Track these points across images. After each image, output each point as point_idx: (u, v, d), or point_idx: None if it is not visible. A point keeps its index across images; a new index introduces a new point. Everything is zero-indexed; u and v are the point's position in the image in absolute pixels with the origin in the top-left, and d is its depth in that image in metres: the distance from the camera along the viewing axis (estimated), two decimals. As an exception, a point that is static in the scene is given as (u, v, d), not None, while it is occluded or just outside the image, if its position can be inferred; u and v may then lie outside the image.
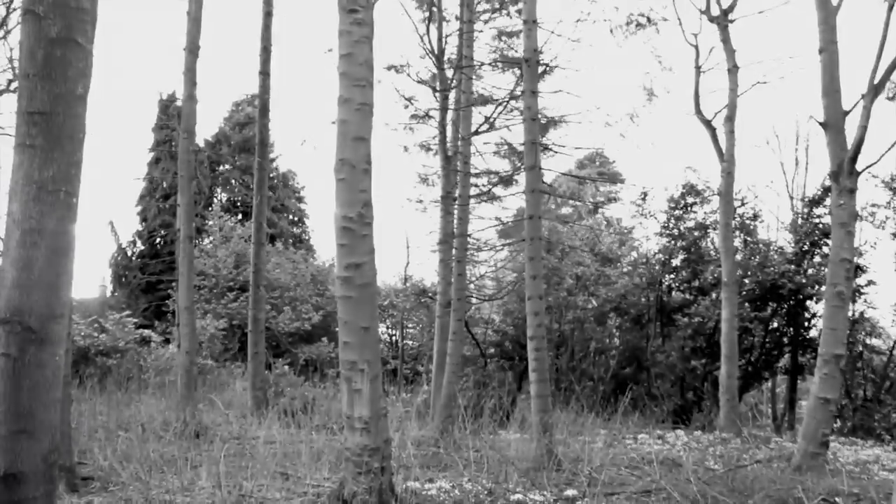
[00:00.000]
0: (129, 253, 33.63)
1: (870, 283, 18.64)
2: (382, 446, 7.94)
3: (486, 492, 8.99)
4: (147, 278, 31.54)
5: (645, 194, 23.09)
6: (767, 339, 18.94)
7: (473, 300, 24.70)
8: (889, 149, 10.74)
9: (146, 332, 22.73)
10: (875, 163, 11.06)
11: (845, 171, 10.49)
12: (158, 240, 32.77)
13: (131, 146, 69.65)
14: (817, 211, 19.02)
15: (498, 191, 26.38)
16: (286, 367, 20.07)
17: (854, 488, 9.01)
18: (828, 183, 15.27)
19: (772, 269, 18.39)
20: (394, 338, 29.50)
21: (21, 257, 4.12)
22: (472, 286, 25.72)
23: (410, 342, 30.07)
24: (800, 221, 20.72)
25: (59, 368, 4.29)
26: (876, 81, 10.58)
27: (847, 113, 10.60)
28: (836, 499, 8.13)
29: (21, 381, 4.09)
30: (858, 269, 17.70)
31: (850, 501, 8.31)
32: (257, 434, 12.16)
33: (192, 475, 8.96)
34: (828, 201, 15.25)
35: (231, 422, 13.75)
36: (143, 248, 33.47)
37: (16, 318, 4.08)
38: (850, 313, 15.49)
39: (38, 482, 4.18)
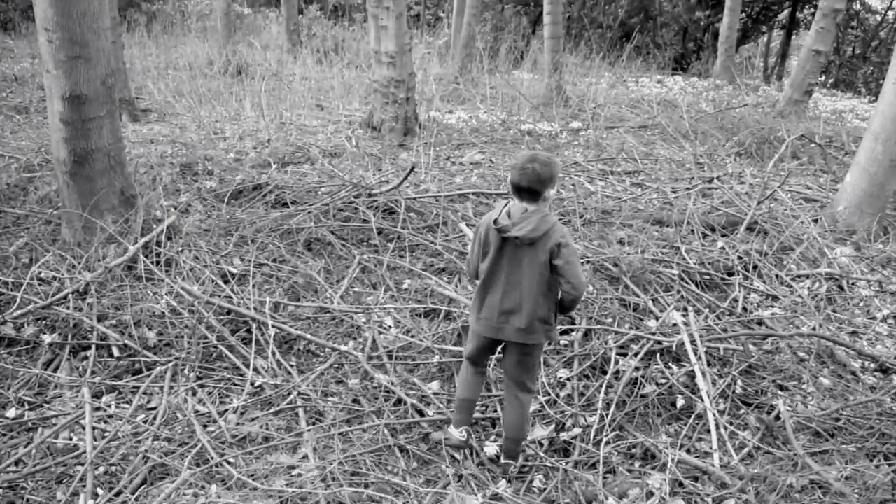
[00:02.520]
0: None
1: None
2: (407, 79, 7.93)
3: (500, 122, 9.17)
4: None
5: None
6: (770, -6, 18.00)
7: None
8: None
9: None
10: None
11: None
12: None
13: None
14: None
15: None
16: (318, 12, 19.36)
17: (828, 132, 9.16)
18: None
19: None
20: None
21: None
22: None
23: (432, -11, 28.75)
24: None
25: (104, -2, 4.16)
26: None
27: None
28: (813, 138, 8.23)
29: (70, 9, 4.00)
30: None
31: (824, 141, 8.46)
32: (293, 71, 12.11)
33: (238, 106, 9.10)
34: None
35: (269, 60, 13.64)
36: None
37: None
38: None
39: (100, 103, 4.29)
